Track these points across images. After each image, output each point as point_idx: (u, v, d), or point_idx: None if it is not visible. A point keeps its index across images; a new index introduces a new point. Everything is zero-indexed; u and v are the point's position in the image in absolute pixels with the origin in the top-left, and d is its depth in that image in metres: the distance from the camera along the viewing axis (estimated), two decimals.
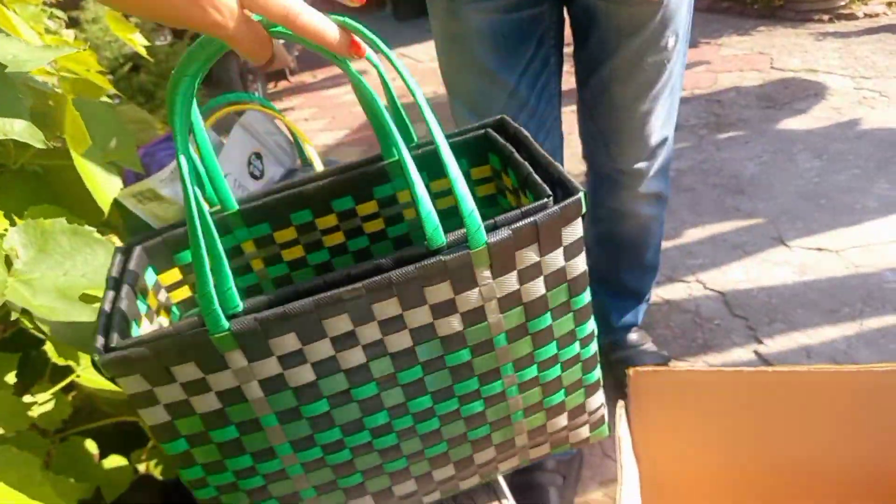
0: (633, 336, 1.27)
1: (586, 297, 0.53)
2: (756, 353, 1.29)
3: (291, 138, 0.94)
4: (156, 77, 1.90)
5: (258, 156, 0.87)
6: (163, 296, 0.59)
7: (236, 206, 0.60)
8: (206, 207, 0.44)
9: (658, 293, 1.48)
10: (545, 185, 0.50)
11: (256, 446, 0.50)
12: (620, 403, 0.68)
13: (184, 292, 0.61)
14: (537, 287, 0.49)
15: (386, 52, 0.44)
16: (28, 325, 0.61)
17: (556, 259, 0.49)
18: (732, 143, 2.10)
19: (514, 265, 0.48)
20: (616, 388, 1.22)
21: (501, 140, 0.59)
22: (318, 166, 0.81)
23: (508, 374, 0.53)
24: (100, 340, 0.46)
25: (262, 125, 0.89)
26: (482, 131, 0.61)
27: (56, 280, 0.56)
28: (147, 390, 0.46)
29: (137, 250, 0.57)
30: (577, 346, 0.55)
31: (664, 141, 0.99)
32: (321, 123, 3.07)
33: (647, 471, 0.70)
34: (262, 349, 0.45)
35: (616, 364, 1.25)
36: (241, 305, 0.45)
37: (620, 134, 0.97)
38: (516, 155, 0.56)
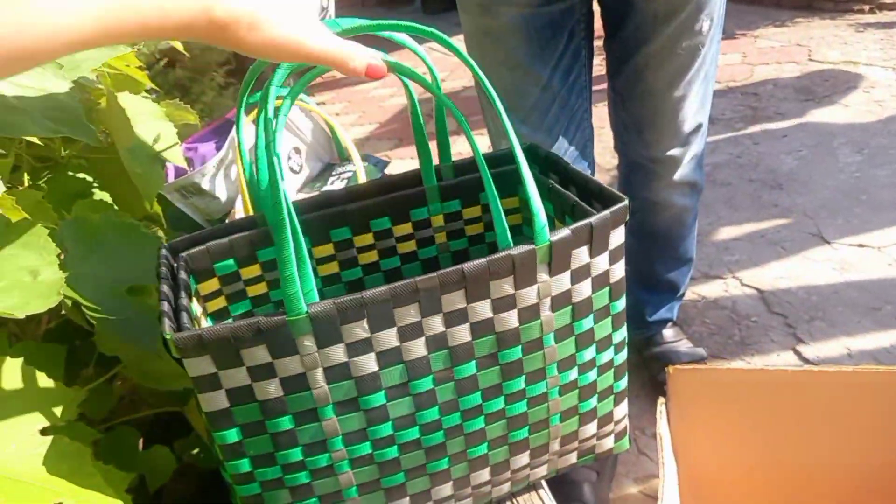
0: (667, 332, 1.24)
1: (622, 302, 0.57)
2: (795, 351, 1.25)
3: (329, 133, 0.95)
4: (191, 72, 1.86)
5: (297, 150, 0.88)
6: (199, 306, 0.59)
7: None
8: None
9: (694, 289, 1.44)
10: (591, 210, 0.55)
11: (310, 439, 0.51)
12: (661, 401, 0.68)
13: (219, 303, 0.62)
14: (585, 288, 0.53)
15: (451, 44, 0.47)
16: (75, 317, 0.59)
17: (603, 262, 0.53)
18: (770, 136, 2.02)
19: (569, 265, 0.51)
20: (650, 385, 1.19)
21: (537, 174, 0.63)
22: (357, 161, 0.83)
23: (552, 375, 0.55)
24: (168, 319, 0.47)
25: (301, 121, 0.91)
26: (513, 166, 0.65)
27: (104, 274, 0.56)
28: (212, 373, 0.46)
29: (183, 257, 0.57)
30: (611, 351, 0.58)
31: (698, 128, 0.98)
32: (352, 118, 3.01)
33: (685, 468, 0.70)
34: (333, 335, 0.47)
35: (650, 361, 1.22)
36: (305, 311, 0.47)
37: (654, 121, 0.96)
38: (558, 187, 0.60)
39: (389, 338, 0.48)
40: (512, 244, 0.49)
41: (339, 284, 0.66)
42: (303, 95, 0.87)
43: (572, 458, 0.63)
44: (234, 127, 0.83)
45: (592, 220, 0.50)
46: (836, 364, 1.04)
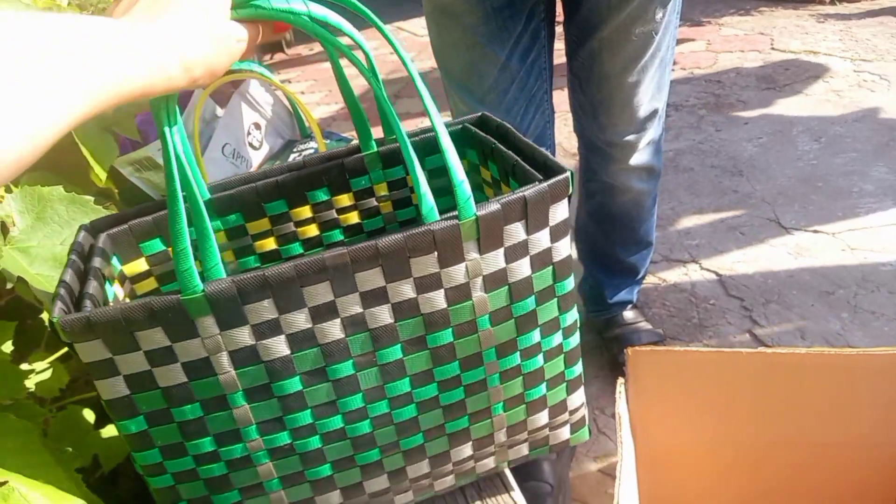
0: (627, 314, 1.26)
1: (570, 283, 0.52)
2: (751, 333, 1.29)
3: (290, 109, 0.92)
4: None
5: (257, 126, 0.85)
6: (127, 287, 0.56)
7: (207, 195, 0.57)
8: (191, 174, 0.42)
9: (654, 272, 1.47)
10: (533, 171, 0.50)
11: (221, 427, 0.47)
12: (620, 381, 0.68)
13: (149, 284, 0.58)
14: (523, 267, 0.48)
15: (380, 26, 0.44)
16: (25, 294, 0.57)
17: (543, 239, 0.48)
18: (731, 124, 2.09)
19: (502, 241, 0.47)
20: (609, 366, 1.21)
21: (482, 134, 0.59)
22: (318, 136, 0.79)
23: (491, 360, 0.51)
24: (61, 302, 0.43)
25: (262, 96, 0.88)
26: (459, 126, 0.61)
27: (53, 248, 0.54)
28: (107, 359, 0.43)
29: (102, 237, 0.54)
30: (559, 336, 0.53)
31: (654, 114, 0.99)
32: (318, 96, 3.03)
33: (642, 447, 0.70)
34: (235, 316, 0.43)
35: (610, 341, 1.23)
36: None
37: (609, 105, 0.96)
38: (500, 146, 0.55)
39: (300, 319, 0.45)
40: (437, 217, 0.45)
41: (279, 261, 0.62)
42: (265, 70, 0.83)
43: (523, 449, 0.59)
44: (191, 100, 0.80)
45: (526, 192, 0.46)
46: (791, 346, 1.04)
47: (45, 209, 0.58)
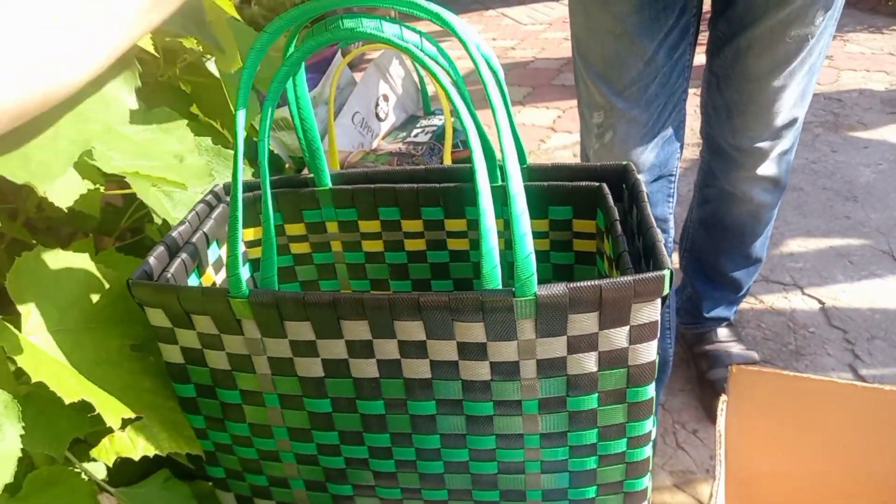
0: (722, 331, 1.19)
1: (649, 391, 0.44)
2: (851, 367, 1.20)
3: (418, 84, 0.92)
4: (266, 11, 1.96)
5: (385, 98, 0.86)
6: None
7: (329, 184, 0.58)
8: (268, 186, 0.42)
9: (752, 290, 1.39)
10: (632, 269, 0.43)
11: (255, 419, 0.49)
12: (723, 398, 0.65)
13: (261, 251, 0.61)
14: (588, 362, 0.42)
15: (453, 27, 0.39)
16: (153, 235, 0.65)
17: (618, 337, 0.41)
18: (849, 146, 1.94)
19: (565, 329, 0.41)
20: (696, 380, 1.17)
21: (609, 202, 0.51)
22: (448, 118, 0.77)
23: (532, 447, 0.46)
24: (147, 265, 0.47)
25: (395, 68, 0.88)
26: (596, 185, 0.53)
27: (194, 197, 0.58)
28: (168, 327, 0.46)
29: (222, 207, 0.57)
30: (623, 444, 0.46)
31: (792, 122, 0.91)
32: (510, 43, 3.08)
33: (732, 469, 0.68)
34: (275, 328, 0.43)
35: (699, 357, 1.17)
36: (246, 292, 0.43)
37: (747, 108, 0.89)
38: (618, 225, 0.48)
39: (337, 348, 0.43)
40: (499, 284, 0.40)
41: (383, 265, 0.62)
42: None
43: None
44: (331, 66, 0.81)
45: (603, 283, 0.39)
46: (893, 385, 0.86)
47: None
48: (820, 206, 1.68)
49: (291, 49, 0.44)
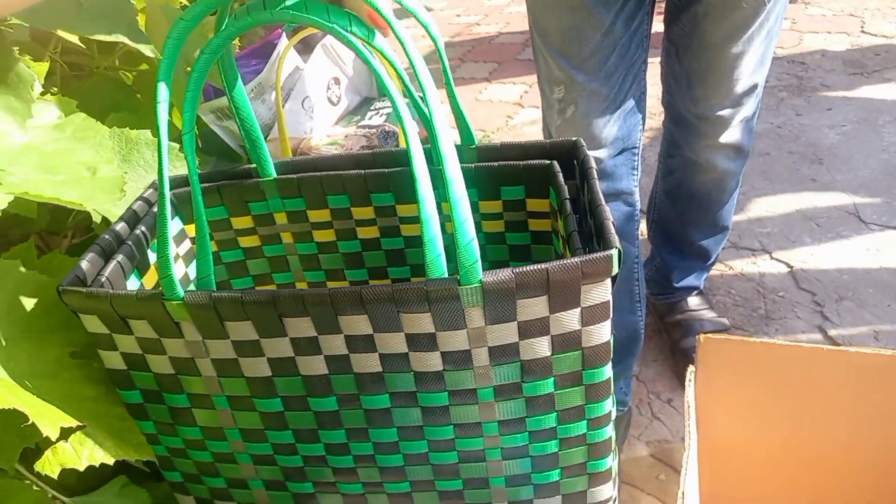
0: (693, 300, 1.19)
1: (606, 371, 0.43)
2: (821, 329, 1.21)
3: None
4: None
5: (336, 81, 0.84)
6: (186, 246, 0.57)
7: (274, 174, 0.56)
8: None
9: (721, 259, 1.40)
10: (582, 249, 0.42)
11: (206, 422, 0.47)
12: (690, 368, 0.66)
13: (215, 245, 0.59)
14: (540, 346, 0.41)
15: (413, 10, 0.37)
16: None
17: (570, 320, 0.40)
18: (813, 108, 1.94)
19: (514, 315, 0.39)
20: (669, 350, 1.18)
21: (560, 180, 0.50)
22: (400, 97, 0.75)
23: (491, 434, 0.45)
24: (79, 269, 0.45)
25: (345, 50, 0.85)
26: (547, 162, 0.52)
27: (138, 192, 0.56)
28: (106, 333, 0.44)
29: (170, 196, 0.54)
30: (584, 426, 0.45)
31: (752, 88, 0.91)
32: (475, 19, 3.06)
33: (704, 437, 0.69)
34: (216, 329, 0.41)
35: (672, 327, 1.18)
36: (182, 295, 0.41)
37: (706, 76, 0.89)
38: (568, 204, 0.47)
39: (282, 346, 0.42)
40: (444, 272, 0.38)
41: (337, 254, 0.60)
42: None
43: None
44: (276, 51, 0.78)
45: (550, 266, 0.38)
46: (863, 346, 0.89)
47: (132, 152, 0.59)
48: (786, 171, 1.68)
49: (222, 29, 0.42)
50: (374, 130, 0.79)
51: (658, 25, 0.86)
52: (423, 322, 0.39)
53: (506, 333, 0.40)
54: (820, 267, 1.35)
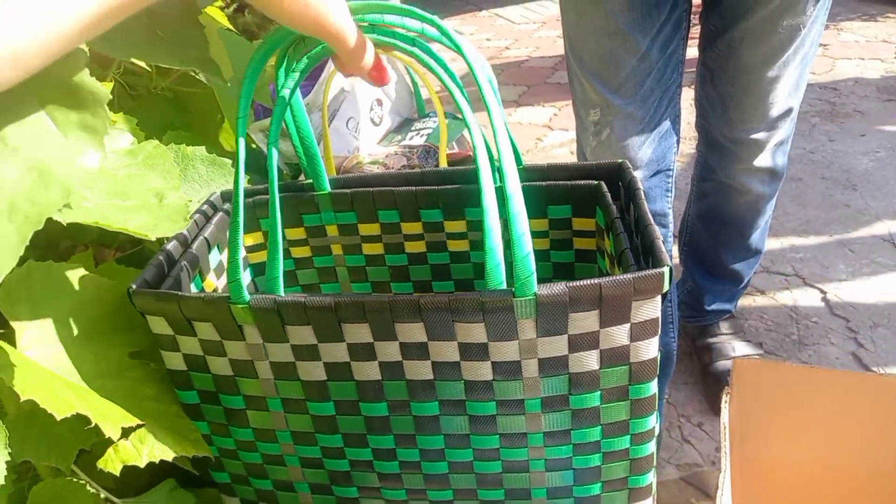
0: (724, 324, 1.19)
1: (652, 388, 0.44)
2: (855, 356, 1.20)
3: (411, 87, 0.92)
4: (259, 18, 1.99)
5: (379, 102, 0.86)
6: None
7: (328, 189, 0.58)
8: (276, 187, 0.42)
9: (753, 283, 1.39)
10: (635, 266, 0.43)
11: (259, 424, 0.49)
12: (726, 391, 0.66)
13: (262, 256, 0.61)
14: (589, 360, 0.42)
15: (457, 44, 0.39)
16: (151, 247, 0.64)
17: (620, 335, 0.41)
18: (846, 134, 1.94)
19: (565, 328, 0.41)
20: (700, 373, 1.17)
21: (608, 200, 0.51)
22: (442, 120, 0.77)
23: (536, 446, 0.46)
24: (147, 273, 0.47)
25: (388, 72, 0.88)
26: (595, 183, 0.54)
27: (193, 207, 0.57)
28: (170, 335, 0.46)
29: (224, 207, 0.57)
30: (627, 441, 0.46)
31: (787, 112, 0.91)
32: (504, 43, 3.13)
33: (737, 461, 0.69)
34: (277, 333, 0.43)
35: (703, 350, 1.18)
36: (282, 294, 0.43)
37: (742, 99, 0.89)
38: (619, 223, 0.49)
39: (338, 352, 0.44)
40: (502, 281, 0.40)
41: (384, 267, 0.62)
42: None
43: None
44: (323, 73, 0.81)
45: (603, 282, 0.39)
46: None
47: (188, 168, 0.62)
48: (819, 196, 1.68)
49: (284, 63, 0.45)
50: (416, 149, 0.82)
51: (692, 51, 0.88)
52: (476, 332, 0.41)
53: (556, 346, 0.41)
54: (854, 293, 1.34)
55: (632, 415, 0.45)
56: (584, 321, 0.41)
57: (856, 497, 0.70)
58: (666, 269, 0.40)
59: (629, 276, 0.39)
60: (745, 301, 1.34)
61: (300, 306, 0.42)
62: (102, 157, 0.47)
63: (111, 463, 0.46)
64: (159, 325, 0.46)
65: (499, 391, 0.44)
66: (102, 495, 0.50)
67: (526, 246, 0.39)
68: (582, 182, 0.53)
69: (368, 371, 0.44)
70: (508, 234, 0.39)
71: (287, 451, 0.50)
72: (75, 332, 0.48)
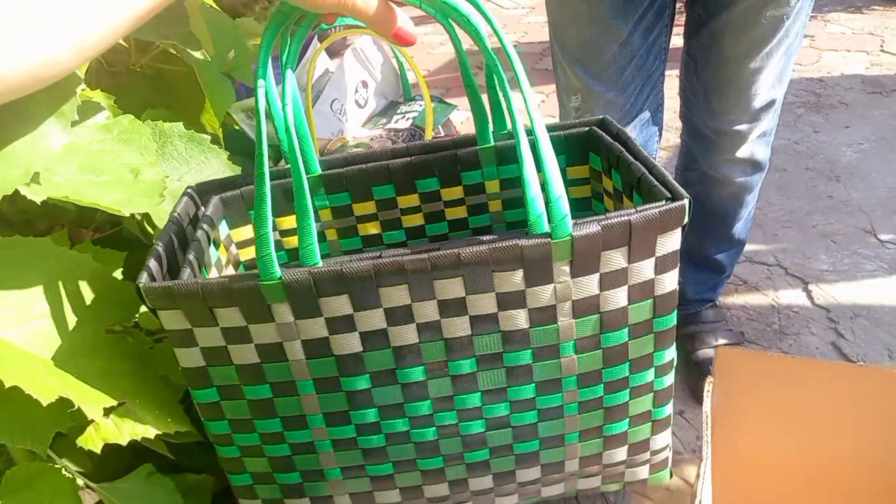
0: (707, 312, 1.20)
1: (672, 319, 0.47)
2: (835, 346, 1.22)
3: (398, 70, 0.92)
4: None
5: (364, 84, 0.86)
6: (233, 250, 0.57)
7: (319, 171, 0.57)
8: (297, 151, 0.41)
9: (736, 272, 1.41)
10: (660, 186, 0.45)
11: (288, 411, 0.47)
12: (709, 380, 0.66)
13: (251, 252, 0.60)
14: (619, 296, 0.44)
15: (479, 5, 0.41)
16: (134, 228, 0.61)
17: (646, 269, 0.44)
18: (831, 126, 1.97)
19: (598, 266, 0.43)
20: (682, 361, 1.16)
21: (608, 139, 0.54)
22: (428, 102, 0.77)
23: (570, 389, 0.48)
24: (150, 267, 0.44)
25: (374, 54, 0.87)
26: (586, 128, 0.56)
27: (171, 184, 0.55)
28: (186, 329, 0.44)
29: (215, 200, 0.55)
30: (651, 374, 0.49)
31: (770, 104, 0.92)
32: (439, 39, 3.09)
33: (719, 449, 0.69)
34: (310, 307, 0.42)
35: (686, 338, 1.19)
36: (320, 264, 0.42)
37: (724, 90, 0.90)
38: (626, 155, 0.51)
39: (375, 318, 0.43)
40: (546, 228, 0.41)
41: (381, 246, 0.61)
42: None
43: (594, 481, 0.55)
44: (307, 53, 0.80)
45: (632, 216, 0.41)
46: (878, 363, 0.96)
47: (166, 144, 0.59)
48: (803, 187, 1.69)
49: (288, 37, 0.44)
50: (401, 133, 0.82)
51: (677, 40, 0.89)
52: (514, 280, 0.42)
53: (589, 286, 0.43)
54: (835, 284, 1.36)
55: (655, 347, 0.47)
56: (614, 258, 0.43)
57: (836, 485, 0.71)
58: (686, 201, 0.42)
59: (655, 209, 0.41)
60: (727, 290, 1.35)
61: (337, 274, 0.41)
62: (67, 140, 0.45)
63: (91, 441, 0.45)
64: (174, 321, 0.44)
65: (535, 338, 0.45)
66: (79, 480, 0.48)
67: (558, 187, 0.40)
68: (574, 130, 0.55)
69: (405, 335, 0.44)
70: (541, 176, 0.40)
71: (318, 436, 0.49)
72: (49, 309, 0.46)
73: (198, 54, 0.58)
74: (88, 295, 0.49)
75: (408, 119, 0.86)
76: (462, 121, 2.07)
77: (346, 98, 0.83)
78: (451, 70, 2.73)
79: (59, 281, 0.47)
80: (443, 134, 0.90)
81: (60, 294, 0.47)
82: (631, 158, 0.49)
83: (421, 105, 0.88)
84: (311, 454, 0.50)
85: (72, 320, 0.47)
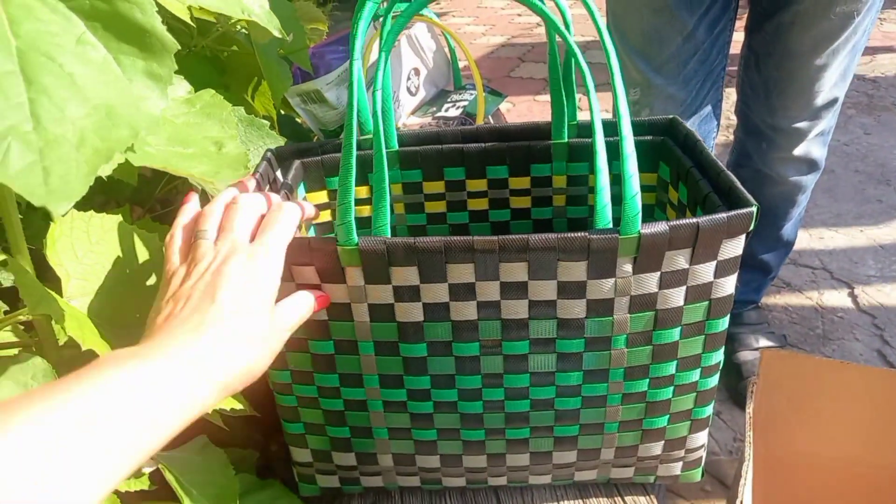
0: (750, 313, 1.17)
1: (725, 322, 0.48)
2: (880, 353, 1.18)
3: (449, 59, 0.92)
4: None
5: (416, 72, 0.86)
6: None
7: (396, 146, 0.59)
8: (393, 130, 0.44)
9: (780, 273, 1.37)
10: (721, 204, 0.46)
11: (347, 369, 0.50)
12: (752, 380, 0.67)
13: (325, 216, 0.62)
14: (676, 296, 0.45)
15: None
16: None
17: (706, 272, 0.45)
18: (883, 128, 1.91)
19: (660, 265, 0.44)
20: (724, 364, 1.12)
21: (679, 152, 0.55)
22: (480, 92, 0.78)
23: (616, 380, 0.49)
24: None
25: (427, 41, 0.88)
26: (660, 138, 0.57)
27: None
28: None
29: (296, 164, 0.58)
30: (696, 374, 0.50)
31: (832, 103, 0.89)
32: (481, 29, 3.14)
33: (760, 450, 0.70)
34: (381, 274, 0.45)
35: (726, 339, 1.15)
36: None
37: (786, 86, 0.87)
38: (695, 171, 0.52)
39: (439, 291, 0.45)
40: (609, 219, 0.43)
41: (444, 226, 0.64)
42: (434, 16, 0.81)
43: (627, 472, 0.57)
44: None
45: (700, 220, 0.42)
46: None
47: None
48: (851, 190, 1.64)
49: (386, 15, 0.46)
50: (451, 121, 0.83)
51: (736, 34, 0.86)
52: (577, 270, 0.44)
53: (648, 283, 0.45)
54: (882, 290, 1.32)
55: (704, 349, 0.49)
56: (677, 259, 0.44)
57: (877, 493, 0.71)
58: (754, 208, 0.43)
59: (723, 215, 0.43)
60: (771, 292, 1.32)
61: (409, 247, 0.43)
62: (165, 104, 0.47)
63: None
64: None
65: (589, 329, 0.46)
66: None
67: (635, 186, 0.42)
68: (648, 138, 0.56)
69: (466, 311, 0.46)
70: (621, 173, 0.42)
71: (372, 395, 0.51)
72: (116, 281, 0.48)
73: (276, 32, 0.61)
74: (153, 269, 0.51)
75: (458, 108, 0.87)
76: (507, 109, 2.07)
77: (399, 85, 0.85)
78: (491, 61, 2.73)
79: (126, 255, 0.49)
80: (492, 123, 0.92)
81: (128, 268, 0.49)
82: (699, 176, 0.50)
83: (471, 94, 0.89)
84: (362, 412, 0.53)
85: (137, 293, 0.49)
